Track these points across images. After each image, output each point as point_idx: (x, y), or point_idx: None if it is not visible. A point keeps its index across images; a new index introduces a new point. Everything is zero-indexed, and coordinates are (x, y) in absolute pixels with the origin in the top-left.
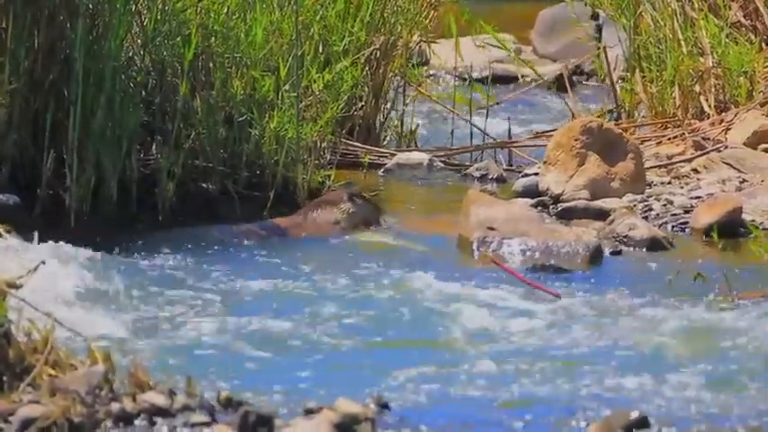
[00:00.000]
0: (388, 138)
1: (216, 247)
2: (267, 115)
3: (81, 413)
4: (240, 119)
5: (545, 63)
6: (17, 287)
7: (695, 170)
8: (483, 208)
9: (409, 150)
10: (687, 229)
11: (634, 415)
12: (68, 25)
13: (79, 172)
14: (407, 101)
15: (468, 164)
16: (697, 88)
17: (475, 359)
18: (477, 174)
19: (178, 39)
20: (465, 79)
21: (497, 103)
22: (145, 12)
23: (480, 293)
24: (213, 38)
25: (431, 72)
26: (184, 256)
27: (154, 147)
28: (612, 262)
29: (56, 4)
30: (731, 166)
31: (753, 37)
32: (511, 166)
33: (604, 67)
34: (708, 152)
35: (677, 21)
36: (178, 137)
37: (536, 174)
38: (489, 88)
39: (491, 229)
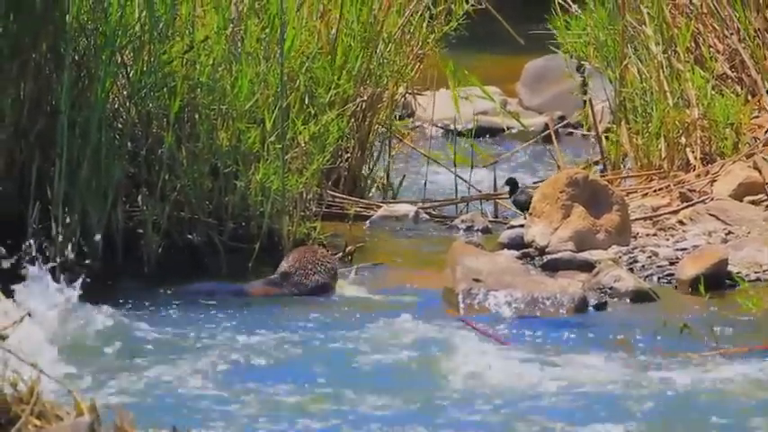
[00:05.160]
0: (373, 189)
1: (201, 300)
2: (253, 167)
3: None
4: (226, 170)
5: (531, 115)
6: (3, 338)
7: (681, 222)
8: (468, 260)
9: (395, 202)
10: (673, 281)
11: None
12: (54, 76)
13: (65, 223)
14: (393, 152)
15: (454, 216)
16: (683, 140)
17: (455, 411)
18: (462, 225)
19: (164, 90)
20: (450, 131)
21: (495, 162)
22: (131, 63)
23: (464, 346)
24: (199, 90)
25: (416, 123)
26: (170, 308)
27: (139, 198)
28: (597, 314)
29: (42, 55)
30: (717, 217)
31: (739, 89)
32: (496, 217)
33: (590, 119)
34: (693, 204)
35: (663, 73)
36: (164, 188)
37: (521, 225)
38: (473, 140)
39: (477, 280)
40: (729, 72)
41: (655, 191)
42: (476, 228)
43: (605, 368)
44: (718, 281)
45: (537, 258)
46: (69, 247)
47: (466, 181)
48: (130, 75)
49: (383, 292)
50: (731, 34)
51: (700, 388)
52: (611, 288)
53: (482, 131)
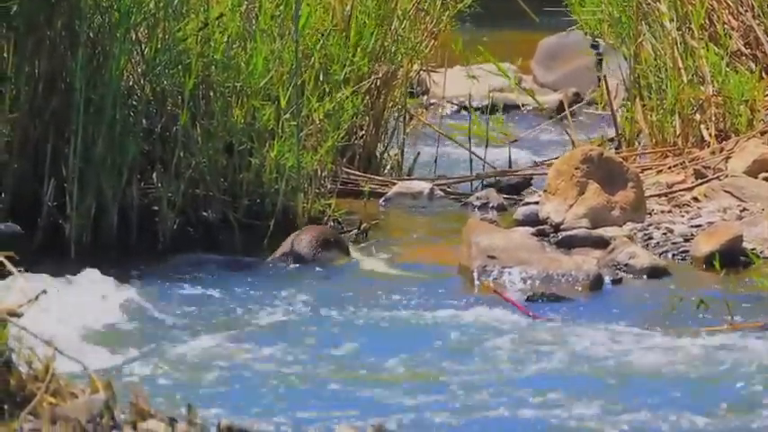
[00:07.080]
0: (388, 166)
1: (216, 276)
2: (267, 144)
3: None
4: (240, 148)
5: (546, 92)
6: (18, 315)
7: (696, 199)
8: (483, 237)
9: (410, 179)
10: (688, 258)
11: None
12: (69, 54)
13: (79, 201)
14: (408, 130)
15: (468, 193)
16: (697, 117)
17: (474, 387)
18: (477, 202)
19: (178, 68)
20: (465, 108)
21: (515, 140)
22: (145, 41)
23: (479, 323)
24: (213, 67)
25: (431, 101)
26: (184, 284)
27: (154, 175)
28: (613, 290)
29: (57, 32)
30: (732, 194)
31: (753, 66)
32: (511, 194)
33: (605, 95)
34: (708, 181)
35: (678, 50)
36: (178, 165)
37: (536, 202)
38: (489, 117)
39: (491, 257)
40: (744, 49)
41: (669, 168)
42: (491, 205)
43: (621, 343)
44: (732, 257)
45: (552, 235)
46: (84, 223)
47: (481, 158)
48: (145, 52)
49: (399, 267)
50: (745, 11)
51: (714, 363)
52: (626, 265)
53: (496, 108)
